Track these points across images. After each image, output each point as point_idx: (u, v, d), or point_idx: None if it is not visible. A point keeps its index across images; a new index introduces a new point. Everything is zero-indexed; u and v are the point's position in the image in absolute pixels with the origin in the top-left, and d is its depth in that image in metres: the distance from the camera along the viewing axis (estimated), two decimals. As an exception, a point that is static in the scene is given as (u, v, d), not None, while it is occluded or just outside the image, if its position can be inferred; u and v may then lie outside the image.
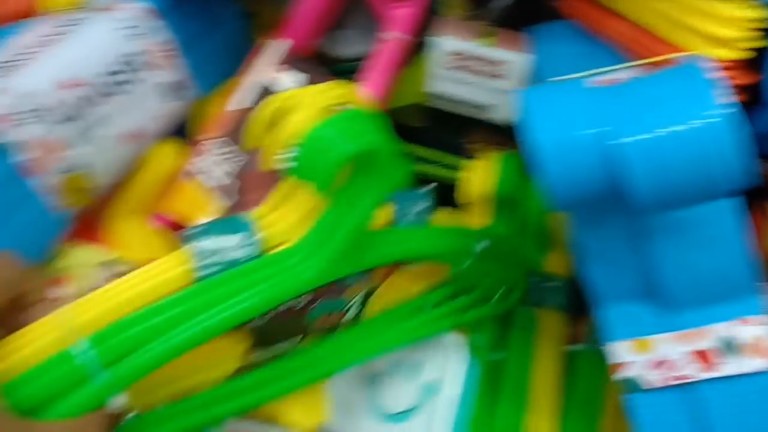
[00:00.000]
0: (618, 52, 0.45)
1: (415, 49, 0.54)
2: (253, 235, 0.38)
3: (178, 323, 0.35)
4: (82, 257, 0.46)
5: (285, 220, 0.40)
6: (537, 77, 0.47)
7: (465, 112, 0.55)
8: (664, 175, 0.31)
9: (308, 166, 0.36)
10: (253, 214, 0.40)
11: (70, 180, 0.43)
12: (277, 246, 0.39)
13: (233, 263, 0.37)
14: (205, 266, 0.36)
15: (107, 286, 0.36)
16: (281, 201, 0.40)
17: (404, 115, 0.63)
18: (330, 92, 0.40)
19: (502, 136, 0.64)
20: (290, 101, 0.38)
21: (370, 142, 0.36)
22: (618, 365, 0.40)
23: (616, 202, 0.35)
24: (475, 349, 0.50)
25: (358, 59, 0.58)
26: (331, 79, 0.53)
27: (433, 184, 0.48)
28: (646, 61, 0.39)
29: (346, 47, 0.57)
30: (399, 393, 0.50)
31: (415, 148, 0.63)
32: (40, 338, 0.34)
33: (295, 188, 0.40)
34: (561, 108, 0.32)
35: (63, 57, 0.42)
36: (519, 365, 0.51)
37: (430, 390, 0.49)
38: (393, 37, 0.52)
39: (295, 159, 0.37)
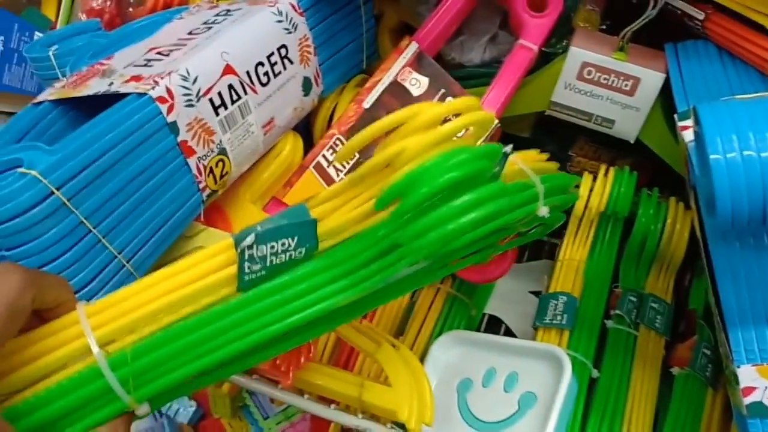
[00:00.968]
0: (760, 74, 0.45)
1: (539, 59, 0.55)
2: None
3: (221, 337, 0.30)
4: (212, 240, 0.48)
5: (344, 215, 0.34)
6: (675, 95, 0.47)
7: (588, 125, 0.56)
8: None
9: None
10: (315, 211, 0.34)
11: (215, 163, 0.45)
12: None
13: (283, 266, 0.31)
14: (252, 271, 0.31)
15: (134, 287, 0.31)
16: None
17: (513, 125, 0.64)
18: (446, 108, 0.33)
19: (610, 151, 0.65)
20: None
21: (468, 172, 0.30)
22: (745, 389, 0.40)
23: (773, 225, 0.35)
24: (573, 365, 0.50)
25: (480, 66, 0.59)
26: (453, 84, 0.55)
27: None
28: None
29: (468, 53, 0.58)
30: (494, 402, 0.50)
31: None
32: (55, 349, 0.29)
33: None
34: (745, 125, 0.33)
35: (226, 44, 0.44)
36: (615, 384, 0.51)
37: (527, 401, 0.49)
38: (525, 45, 0.53)
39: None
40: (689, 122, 0.44)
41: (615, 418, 0.50)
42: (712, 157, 0.34)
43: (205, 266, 0.31)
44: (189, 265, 0.32)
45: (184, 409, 0.88)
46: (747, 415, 0.40)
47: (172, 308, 0.30)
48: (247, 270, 0.30)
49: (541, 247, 0.73)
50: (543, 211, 0.36)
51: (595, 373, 0.51)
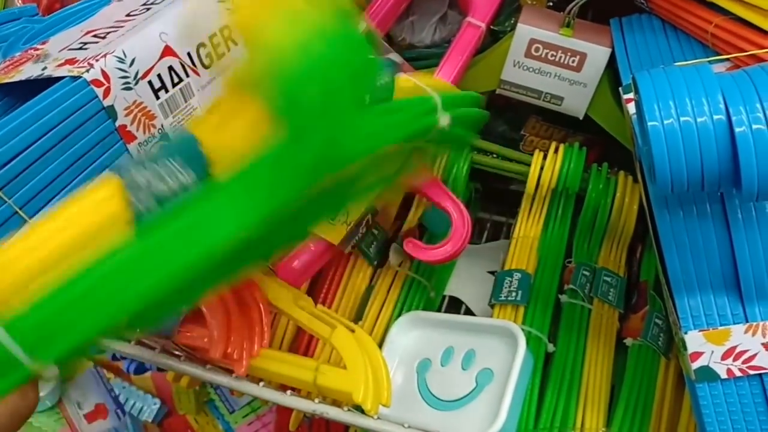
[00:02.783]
0: (702, 45, 0.46)
1: (489, 38, 0.55)
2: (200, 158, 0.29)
3: (123, 279, 0.26)
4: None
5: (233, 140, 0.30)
6: (620, 68, 0.48)
7: (538, 103, 0.56)
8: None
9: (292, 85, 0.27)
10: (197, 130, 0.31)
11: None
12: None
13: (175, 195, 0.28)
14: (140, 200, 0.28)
15: (20, 240, 0.27)
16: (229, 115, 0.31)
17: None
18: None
19: (562, 129, 0.65)
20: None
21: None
22: (693, 354, 0.40)
23: (714, 191, 0.35)
24: (529, 340, 0.50)
25: (431, 46, 0.59)
26: (402, 63, 0.54)
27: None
28: (745, 53, 0.39)
29: (419, 34, 0.58)
30: (453, 381, 0.50)
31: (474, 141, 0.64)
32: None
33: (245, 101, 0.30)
34: (682, 91, 0.33)
35: (165, 24, 0.43)
36: (571, 357, 0.52)
37: (484, 378, 0.49)
38: (473, 23, 0.52)
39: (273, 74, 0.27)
40: (633, 95, 0.44)
41: (572, 391, 0.50)
42: (650, 124, 0.34)
43: (93, 203, 0.28)
44: (76, 207, 0.28)
45: (147, 407, 0.86)
46: (695, 380, 0.40)
47: (64, 256, 0.27)
48: (135, 201, 0.27)
49: (499, 228, 0.74)
50: (444, 120, 0.35)
51: (550, 348, 0.52)
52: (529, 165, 0.58)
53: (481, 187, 0.72)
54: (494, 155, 0.64)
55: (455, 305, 0.64)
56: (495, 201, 0.75)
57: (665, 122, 0.33)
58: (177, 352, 0.45)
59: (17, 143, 0.36)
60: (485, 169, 0.63)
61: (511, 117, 0.66)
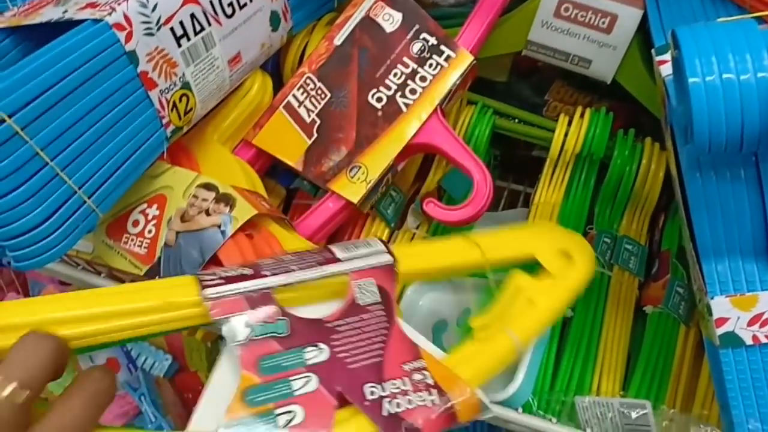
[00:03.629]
0: (740, 9, 0.44)
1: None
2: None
3: None
4: (178, 179, 0.46)
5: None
6: (653, 30, 0.46)
7: (565, 66, 0.55)
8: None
9: None
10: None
11: (179, 98, 0.43)
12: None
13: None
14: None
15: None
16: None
17: (489, 69, 0.63)
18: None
19: (587, 95, 0.64)
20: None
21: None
22: (718, 320, 0.40)
23: (751, 153, 0.34)
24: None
25: (455, 5, 0.57)
26: (428, 19, 0.53)
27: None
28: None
29: (444, -8, 0.56)
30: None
31: (497, 104, 0.62)
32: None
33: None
34: (725, 47, 0.32)
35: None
36: (589, 323, 0.52)
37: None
38: (501, -19, 0.51)
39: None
40: (667, 56, 0.43)
41: (588, 355, 0.50)
42: (690, 80, 0.33)
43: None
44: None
45: (159, 362, 0.86)
46: (719, 346, 0.40)
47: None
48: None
49: (516, 197, 0.73)
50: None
51: (568, 313, 0.51)
52: (552, 131, 0.57)
53: (500, 154, 0.71)
54: (517, 120, 0.63)
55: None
56: (513, 170, 0.74)
57: (707, 79, 0.32)
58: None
59: (38, 84, 0.36)
60: (505, 134, 0.62)
61: (536, 81, 0.64)
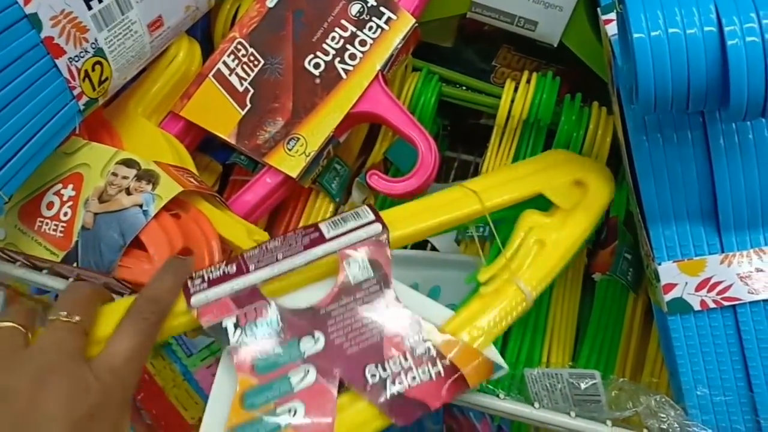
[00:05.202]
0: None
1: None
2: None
3: None
4: (97, 156, 0.42)
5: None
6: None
7: (511, 29, 0.53)
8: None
9: None
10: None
11: (91, 67, 0.40)
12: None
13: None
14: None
15: None
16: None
17: (434, 34, 0.60)
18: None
19: (534, 60, 0.62)
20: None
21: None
22: (666, 286, 0.39)
23: (698, 111, 0.33)
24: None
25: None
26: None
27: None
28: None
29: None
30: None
31: (443, 71, 0.60)
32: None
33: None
34: (671, 1, 0.30)
35: None
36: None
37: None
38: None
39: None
40: (613, 15, 0.41)
41: (537, 327, 0.49)
42: (635, 36, 0.31)
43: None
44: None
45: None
46: (667, 312, 0.39)
47: None
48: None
49: (467, 168, 0.71)
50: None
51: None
52: (500, 98, 0.55)
53: (449, 123, 0.69)
54: (463, 87, 0.61)
55: (421, 244, 0.62)
56: (462, 140, 0.72)
57: (652, 34, 0.30)
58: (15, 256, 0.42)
59: None
60: (453, 103, 0.60)
61: (482, 46, 0.62)
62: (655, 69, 0.31)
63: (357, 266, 0.37)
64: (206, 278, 0.36)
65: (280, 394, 0.35)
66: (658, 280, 0.39)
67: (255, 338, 0.35)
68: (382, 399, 0.36)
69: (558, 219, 0.42)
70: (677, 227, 0.39)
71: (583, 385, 0.41)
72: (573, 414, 0.39)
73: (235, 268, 0.37)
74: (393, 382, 0.36)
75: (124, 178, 0.40)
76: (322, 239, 0.37)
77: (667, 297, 0.39)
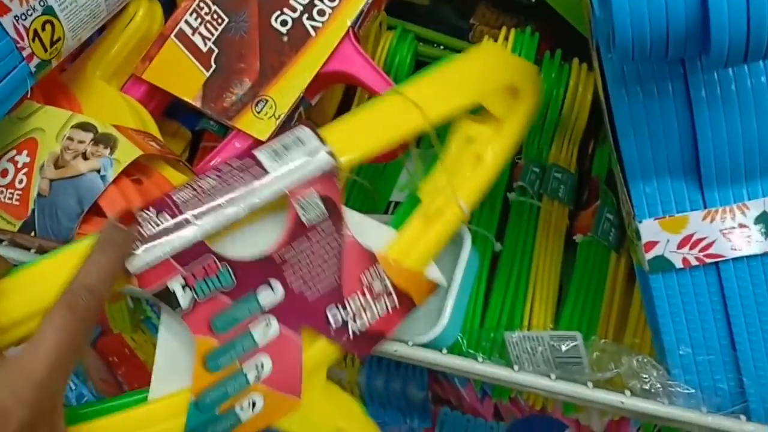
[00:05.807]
0: None
1: None
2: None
3: None
4: (52, 120, 0.40)
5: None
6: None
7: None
8: (756, 25, 0.27)
9: None
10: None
11: (41, 26, 0.37)
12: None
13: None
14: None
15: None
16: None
17: (408, -10, 0.58)
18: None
19: (513, 17, 0.60)
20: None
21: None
22: (647, 244, 0.38)
23: (677, 59, 0.31)
24: (475, 239, 0.47)
25: None
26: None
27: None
28: None
29: None
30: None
31: (419, 29, 0.58)
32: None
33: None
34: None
35: None
36: (519, 255, 0.49)
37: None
38: None
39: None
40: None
41: (519, 289, 0.48)
42: (612, -22, 0.29)
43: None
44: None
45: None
46: (649, 271, 0.38)
47: None
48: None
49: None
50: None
51: (497, 247, 0.49)
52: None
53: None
54: (441, 46, 0.59)
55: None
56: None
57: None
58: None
59: None
60: (428, 62, 0.58)
61: (459, 3, 0.60)
62: (632, 14, 0.29)
63: (309, 204, 0.35)
64: (143, 235, 0.33)
65: (245, 351, 0.34)
66: (639, 239, 0.38)
67: (208, 297, 0.33)
68: (344, 338, 0.35)
69: (493, 128, 0.40)
70: (658, 184, 0.38)
71: (564, 347, 0.40)
72: (553, 376, 0.38)
73: (169, 218, 0.33)
74: (354, 321, 0.35)
75: (81, 142, 0.38)
76: (267, 177, 0.34)
77: (649, 255, 0.38)
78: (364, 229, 0.37)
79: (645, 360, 0.39)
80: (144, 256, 0.32)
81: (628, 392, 0.37)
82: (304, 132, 0.37)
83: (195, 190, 0.34)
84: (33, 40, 0.37)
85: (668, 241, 0.38)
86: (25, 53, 0.37)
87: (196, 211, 0.33)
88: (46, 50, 0.38)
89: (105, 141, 0.38)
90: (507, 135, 0.40)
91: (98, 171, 0.37)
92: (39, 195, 0.37)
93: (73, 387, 0.75)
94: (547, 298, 0.48)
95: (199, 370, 0.33)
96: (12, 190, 0.38)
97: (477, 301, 0.47)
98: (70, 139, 0.38)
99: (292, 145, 0.36)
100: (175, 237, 0.32)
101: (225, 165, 0.35)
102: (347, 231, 0.36)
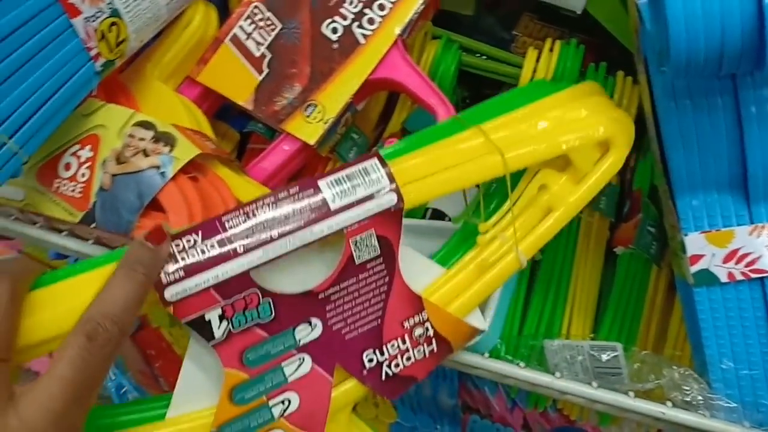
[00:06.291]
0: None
1: None
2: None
3: None
4: (114, 117, 0.42)
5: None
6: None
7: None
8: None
9: None
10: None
11: (108, 27, 0.39)
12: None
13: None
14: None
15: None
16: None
17: (454, 2, 0.59)
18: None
19: (557, 29, 0.61)
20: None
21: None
22: (692, 257, 0.38)
23: (730, 74, 0.32)
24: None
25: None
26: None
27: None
28: None
29: None
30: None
31: (462, 39, 0.59)
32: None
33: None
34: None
35: None
36: (558, 265, 0.50)
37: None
38: None
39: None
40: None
41: (558, 298, 0.48)
42: (668, -7, 0.30)
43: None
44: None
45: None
46: (693, 284, 0.38)
47: None
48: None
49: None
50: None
51: (538, 256, 0.49)
52: (521, 67, 0.54)
53: (469, 95, 0.68)
54: (483, 56, 0.60)
55: (438, 218, 0.61)
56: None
57: (685, -11, 0.29)
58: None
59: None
60: (471, 73, 0.59)
61: (503, 14, 0.61)
62: (688, 29, 0.29)
63: (364, 245, 0.33)
64: (182, 263, 0.31)
65: (273, 387, 0.32)
66: (685, 252, 0.38)
67: (243, 330, 0.31)
68: (375, 381, 0.34)
69: (572, 181, 0.37)
70: (705, 197, 0.38)
71: (604, 357, 0.40)
72: (595, 384, 0.38)
73: (217, 247, 0.31)
74: (389, 365, 0.34)
75: (141, 139, 0.39)
76: (326, 212, 0.32)
77: (694, 268, 0.38)
78: (410, 263, 0.35)
79: (687, 372, 0.39)
80: (183, 284, 0.30)
81: (669, 403, 0.38)
82: (372, 164, 0.34)
83: (248, 216, 0.32)
84: (100, 40, 0.39)
85: (714, 254, 0.38)
86: (92, 53, 0.39)
87: (246, 242, 0.31)
88: (111, 50, 0.40)
89: (165, 139, 0.39)
90: (586, 192, 0.37)
91: (158, 168, 0.38)
92: (101, 189, 0.39)
93: (113, 377, 0.77)
94: (586, 309, 0.48)
95: (225, 402, 0.32)
96: (74, 183, 0.40)
97: (516, 308, 0.47)
98: (132, 136, 0.40)
99: (357, 176, 0.33)
100: (220, 267, 0.31)
101: (284, 191, 0.33)
102: (399, 273, 0.34)
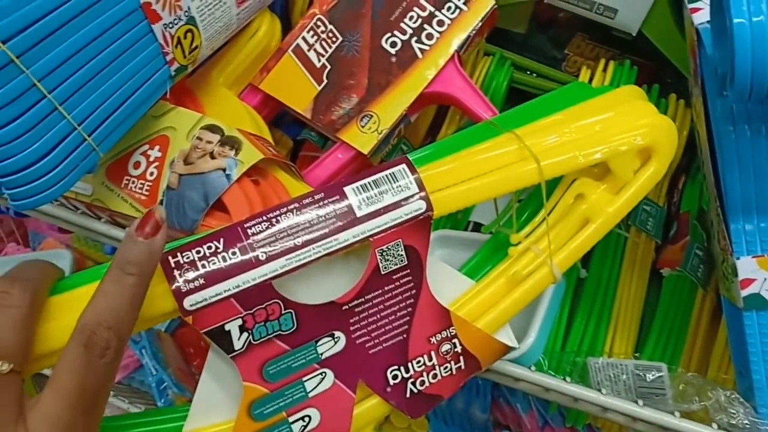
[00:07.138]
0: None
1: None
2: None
3: None
4: (182, 120, 0.44)
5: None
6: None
7: (589, 16, 0.52)
8: None
9: None
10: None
11: (184, 34, 0.41)
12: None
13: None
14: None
15: None
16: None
17: (507, 20, 0.60)
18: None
19: (609, 49, 0.61)
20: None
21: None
22: (744, 281, 0.38)
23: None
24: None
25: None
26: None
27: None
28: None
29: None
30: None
31: (514, 57, 0.60)
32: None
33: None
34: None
35: None
36: (603, 284, 0.50)
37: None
38: None
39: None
40: (700, 4, 0.41)
41: (602, 317, 0.49)
42: (735, 21, 0.30)
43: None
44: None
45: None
46: (743, 308, 0.38)
47: None
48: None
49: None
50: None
51: (583, 273, 0.50)
52: (571, 86, 0.54)
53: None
54: (534, 74, 0.61)
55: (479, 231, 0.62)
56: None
57: (753, 19, 0.30)
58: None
59: (35, 8, 0.33)
60: (520, 89, 0.60)
61: (555, 34, 0.62)
62: (755, 55, 0.30)
63: (391, 255, 0.32)
64: (202, 269, 0.29)
65: (293, 402, 0.31)
66: (736, 275, 0.38)
67: (264, 342, 0.30)
68: (399, 398, 0.32)
69: (611, 190, 0.35)
70: (758, 222, 0.38)
71: (649, 377, 0.41)
72: (641, 402, 0.38)
73: (239, 254, 0.29)
74: (414, 383, 0.32)
75: (209, 142, 0.41)
76: (352, 219, 0.31)
77: (744, 292, 0.38)
78: (437, 274, 0.33)
79: (733, 396, 0.39)
80: (203, 293, 0.29)
81: (714, 425, 0.38)
82: (401, 170, 0.32)
83: (271, 223, 0.31)
84: (176, 46, 0.41)
85: (765, 279, 0.38)
86: (167, 58, 0.41)
87: (268, 250, 0.30)
88: (185, 56, 0.42)
89: (230, 143, 0.41)
90: (625, 202, 0.35)
91: (223, 170, 0.40)
92: (168, 187, 0.41)
93: (155, 372, 0.79)
94: (630, 328, 0.48)
95: (243, 416, 0.31)
96: (143, 181, 0.42)
97: (560, 324, 0.48)
98: (199, 138, 0.42)
99: (384, 182, 0.32)
100: (241, 276, 0.29)
101: (308, 197, 0.31)
102: (426, 285, 0.32)
